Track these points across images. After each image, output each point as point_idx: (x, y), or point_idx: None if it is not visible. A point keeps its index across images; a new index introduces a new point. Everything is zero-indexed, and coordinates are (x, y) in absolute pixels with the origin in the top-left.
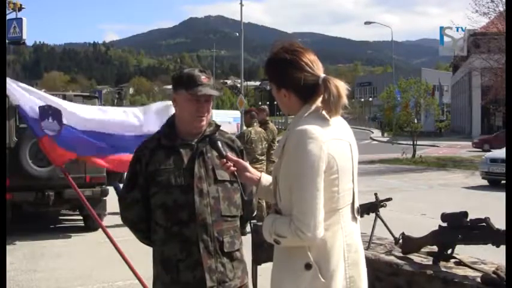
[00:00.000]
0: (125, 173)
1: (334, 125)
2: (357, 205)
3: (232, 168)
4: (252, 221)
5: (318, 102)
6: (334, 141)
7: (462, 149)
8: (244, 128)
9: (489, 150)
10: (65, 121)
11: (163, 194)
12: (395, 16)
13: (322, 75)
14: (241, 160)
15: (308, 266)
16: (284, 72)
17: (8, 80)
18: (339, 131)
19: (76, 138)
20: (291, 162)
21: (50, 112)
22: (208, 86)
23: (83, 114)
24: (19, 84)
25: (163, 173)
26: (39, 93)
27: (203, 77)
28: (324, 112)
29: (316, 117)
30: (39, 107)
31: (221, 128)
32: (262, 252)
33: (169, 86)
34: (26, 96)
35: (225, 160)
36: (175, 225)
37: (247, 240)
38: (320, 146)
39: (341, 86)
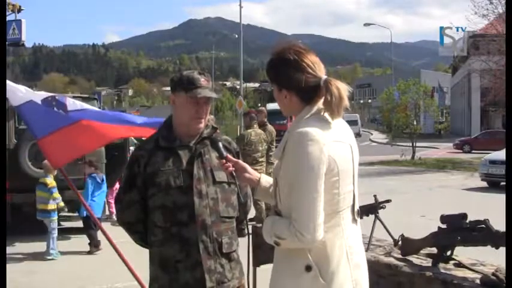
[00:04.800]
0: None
1: (335, 127)
2: (357, 207)
3: (230, 168)
4: (251, 223)
5: (319, 104)
6: (334, 143)
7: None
8: (243, 129)
9: (469, 152)
10: (69, 108)
11: (162, 195)
12: (398, 17)
13: (324, 76)
14: (240, 161)
15: (308, 268)
16: (285, 73)
17: (8, 82)
18: (339, 133)
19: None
20: (291, 164)
21: (53, 103)
22: (207, 89)
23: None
24: (17, 86)
25: (163, 175)
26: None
27: (202, 80)
28: (325, 114)
29: (317, 119)
30: (42, 100)
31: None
32: (261, 254)
33: (168, 88)
34: (25, 95)
35: (224, 160)
36: (175, 226)
37: (242, 242)
38: (321, 148)
39: (342, 88)
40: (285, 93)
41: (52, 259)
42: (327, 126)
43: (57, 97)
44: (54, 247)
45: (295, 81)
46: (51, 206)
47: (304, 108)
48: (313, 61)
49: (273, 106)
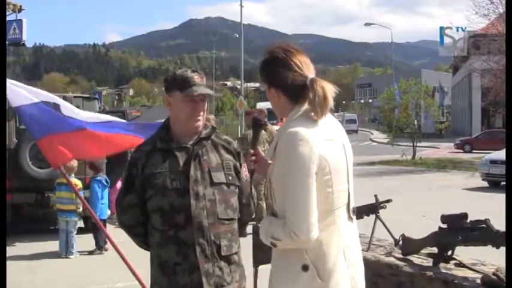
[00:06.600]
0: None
1: (325, 125)
2: (352, 205)
3: (253, 166)
4: (251, 222)
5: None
6: (325, 142)
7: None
8: (245, 129)
9: (470, 152)
10: (64, 112)
11: (159, 197)
12: (398, 17)
13: (311, 76)
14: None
15: (305, 268)
16: (273, 71)
17: (8, 82)
18: (330, 131)
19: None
20: (282, 164)
21: (50, 105)
22: (202, 85)
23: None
24: (18, 84)
25: (159, 177)
26: (38, 91)
27: (196, 77)
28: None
29: (306, 118)
30: (43, 101)
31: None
32: (262, 253)
33: None
34: (25, 96)
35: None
36: (172, 229)
37: (245, 243)
38: (310, 148)
39: (328, 88)
40: (273, 92)
41: (66, 257)
42: (317, 125)
43: (51, 101)
44: (75, 247)
45: (281, 79)
46: (75, 206)
47: (294, 108)
48: (302, 61)
49: (263, 105)
